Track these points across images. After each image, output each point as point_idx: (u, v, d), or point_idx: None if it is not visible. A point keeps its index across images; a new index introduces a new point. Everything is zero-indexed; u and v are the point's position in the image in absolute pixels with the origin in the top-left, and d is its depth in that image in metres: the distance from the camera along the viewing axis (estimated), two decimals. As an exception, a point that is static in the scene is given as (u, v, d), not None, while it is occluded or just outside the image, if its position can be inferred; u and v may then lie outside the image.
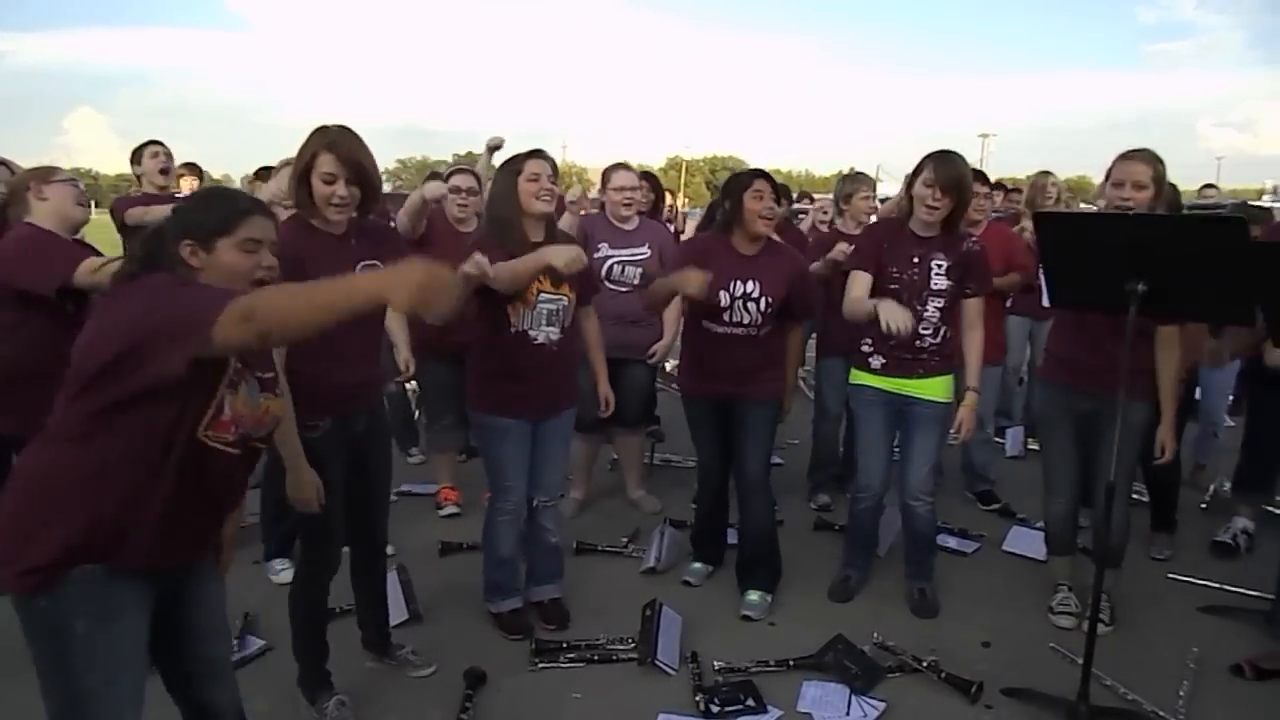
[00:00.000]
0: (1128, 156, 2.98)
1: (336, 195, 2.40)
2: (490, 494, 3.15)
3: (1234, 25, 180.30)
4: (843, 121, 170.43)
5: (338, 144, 2.40)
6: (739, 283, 3.24)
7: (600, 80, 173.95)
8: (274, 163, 5.11)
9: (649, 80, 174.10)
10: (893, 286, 3.20)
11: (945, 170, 3.13)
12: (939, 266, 3.21)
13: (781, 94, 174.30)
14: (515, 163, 2.97)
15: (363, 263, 2.52)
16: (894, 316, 2.94)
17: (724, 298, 3.23)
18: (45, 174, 2.93)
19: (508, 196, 2.93)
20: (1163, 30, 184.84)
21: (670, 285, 3.19)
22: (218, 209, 1.80)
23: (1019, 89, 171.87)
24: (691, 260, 3.24)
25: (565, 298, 3.01)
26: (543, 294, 2.95)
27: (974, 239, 3.35)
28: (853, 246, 3.55)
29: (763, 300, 3.25)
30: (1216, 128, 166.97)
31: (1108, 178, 3.01)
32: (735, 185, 3.31)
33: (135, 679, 1.77)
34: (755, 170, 3.37)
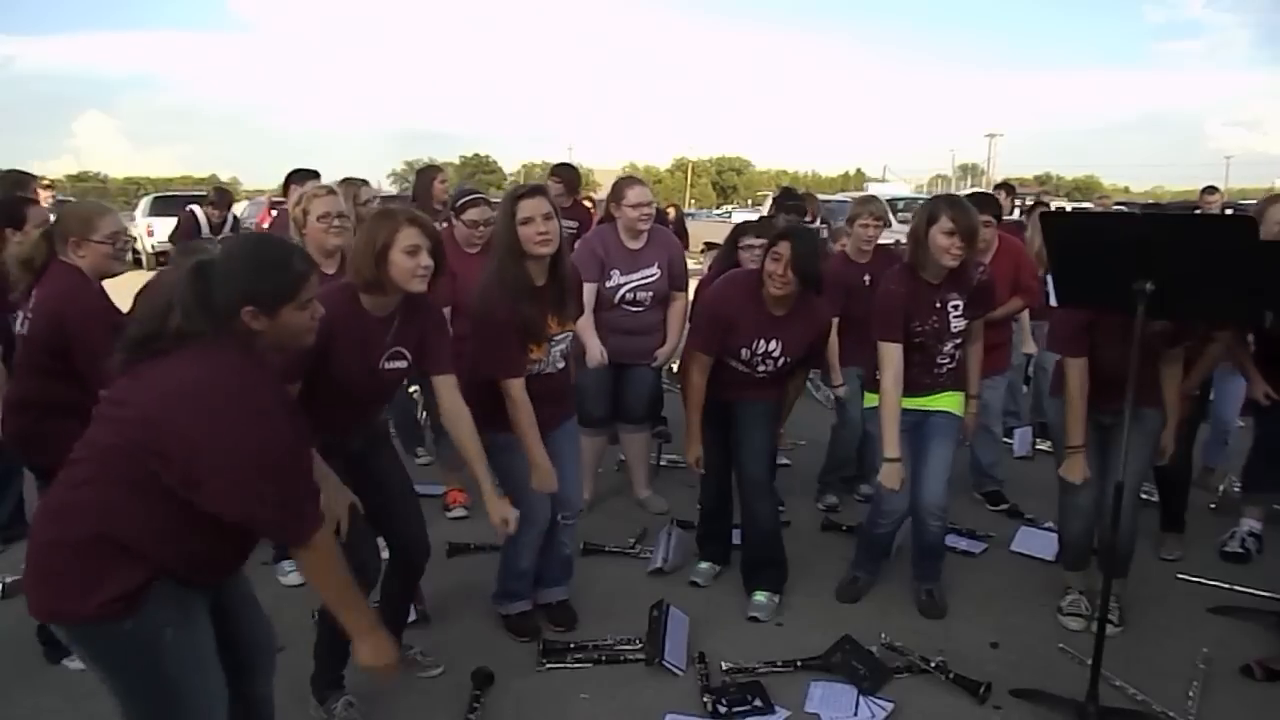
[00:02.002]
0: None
1: (421, 267, 2.43)
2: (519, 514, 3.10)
3: (1242, 24, 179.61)
4: (849, 121, 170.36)
5: (418, 218, 2.48)
6: (762, 341, 3.29)
7: (606, 81, 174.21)
8: (290, 166, 5.15)
9: (655, 81, 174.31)
10: (917, 340, 3.21)
11: (965, 219, 3.07)
12: (955, 309, 3.23)
13: (788, 94, 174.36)
14: (509, 203, 2.88)
15: (389, 352, 2.52)
16: (890, 481, 3.16)
17: (745, 353, 3.30)
18: (88, 229, 2.84)
19: (508, 241, 2.85)
20: (1171, 29, 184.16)
21: (691, 423, 3.37)
22: (279, 276, 1.80)
23: (1026, 88, 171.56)
24: (721, 318, 3.29)
25: (571, 332, 3.08)
26: (554, 336, 2.97)
27: (981, 268, 3.35)
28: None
29: (782, 360, 3.33)
30: (1225, 127, 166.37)
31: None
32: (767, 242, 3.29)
33: (219, 675, 1.84)
34: (787, 231, 3.28)
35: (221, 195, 6.99)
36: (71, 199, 3.66)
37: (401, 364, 2.56)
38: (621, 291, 4.05)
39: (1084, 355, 3.04)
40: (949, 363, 3.29)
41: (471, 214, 3.99)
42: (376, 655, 1.91)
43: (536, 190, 2.94)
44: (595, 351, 3.97)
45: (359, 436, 2.63)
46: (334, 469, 2.49)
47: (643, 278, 4.07)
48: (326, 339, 2.23)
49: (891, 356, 3.16)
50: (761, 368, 3.33)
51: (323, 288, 2.31)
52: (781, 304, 3.26)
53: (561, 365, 3.06)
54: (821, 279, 3.28)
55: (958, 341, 3.28)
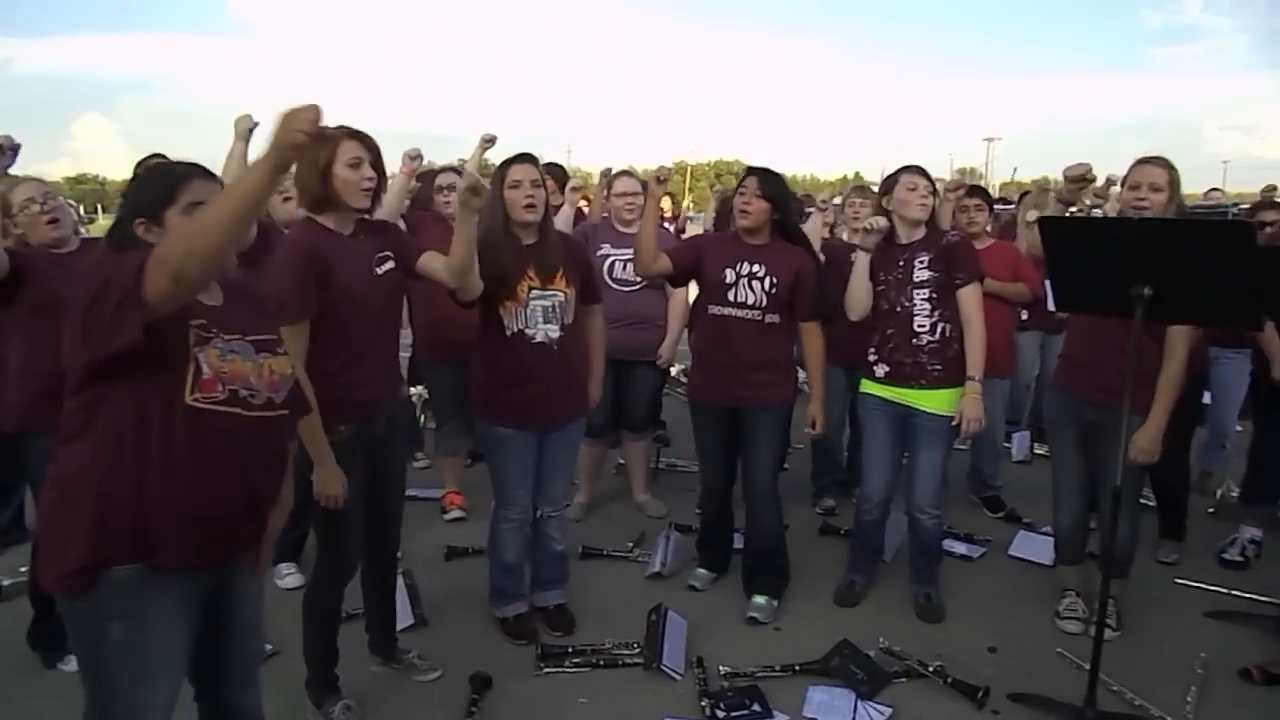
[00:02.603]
0: (1144, 161, 3.01)
1: (365, 178, 2.44)
2: (495, 501, 3.15)
3: (1240, 28, 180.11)
4: (847, 124, 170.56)
5: (356, 132, 2.47)
6: (744, 263, 3.28)
7: (604, 83, 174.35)
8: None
9: (654, 84, 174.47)
10: (880, 288, 3.31)
11: (924, 171, 3.32)
12: (921, 261, 3.27)
13: (786, 97, 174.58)
14: (501, 169, 2.95)
15: (378, 255, 2.55)
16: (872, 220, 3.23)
17: (729, 274, 3.27)
18: (4, 209, 2.82)
19: (495, 204, 2.91)
20: (1168, 34, 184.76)
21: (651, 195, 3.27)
22: (157, 183, 1.82)
23: (1023, 92, 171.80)
24: (694, 245, 3.32)
25: (560, 293, 2.99)
26: (533, 290, 2.94)
27: (954, 232, 3.44)
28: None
29: (767, 280, 3.25)
30: (1223, 131, 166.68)
31: (1123, 184, 3.03)
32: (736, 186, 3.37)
33: (168, 683, 1.78)
34: (749, 168, 3.40)
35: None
36: (71, 202, 3.62)
37: (391, 264, 2.58)
38: (610, 261, 4.03)
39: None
40: (930, 338, 3.24)
41: (441, 179, 4.17)
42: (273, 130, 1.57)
43: (526, 157, 2.97)
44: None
45: (382, 418, 2.62)
46: (357, 462, 2.50)
47: (633, 252, 4.03)
48: (320, 265, 2.35)
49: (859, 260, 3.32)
50: (750, 298, 3.25)
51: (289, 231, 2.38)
52: (757, 235, 3.30)
53: (555, 336, 2.97)
54: (791, 212, 3.39)
55: (926, 296, 3.23)
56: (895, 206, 3.31)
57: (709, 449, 3.50)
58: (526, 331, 2.94)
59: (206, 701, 1.99)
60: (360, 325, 2.48)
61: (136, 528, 1.67)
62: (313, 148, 1.59)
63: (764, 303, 3.25)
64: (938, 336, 3.25)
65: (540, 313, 2.95)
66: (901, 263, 3.28)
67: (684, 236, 6.03)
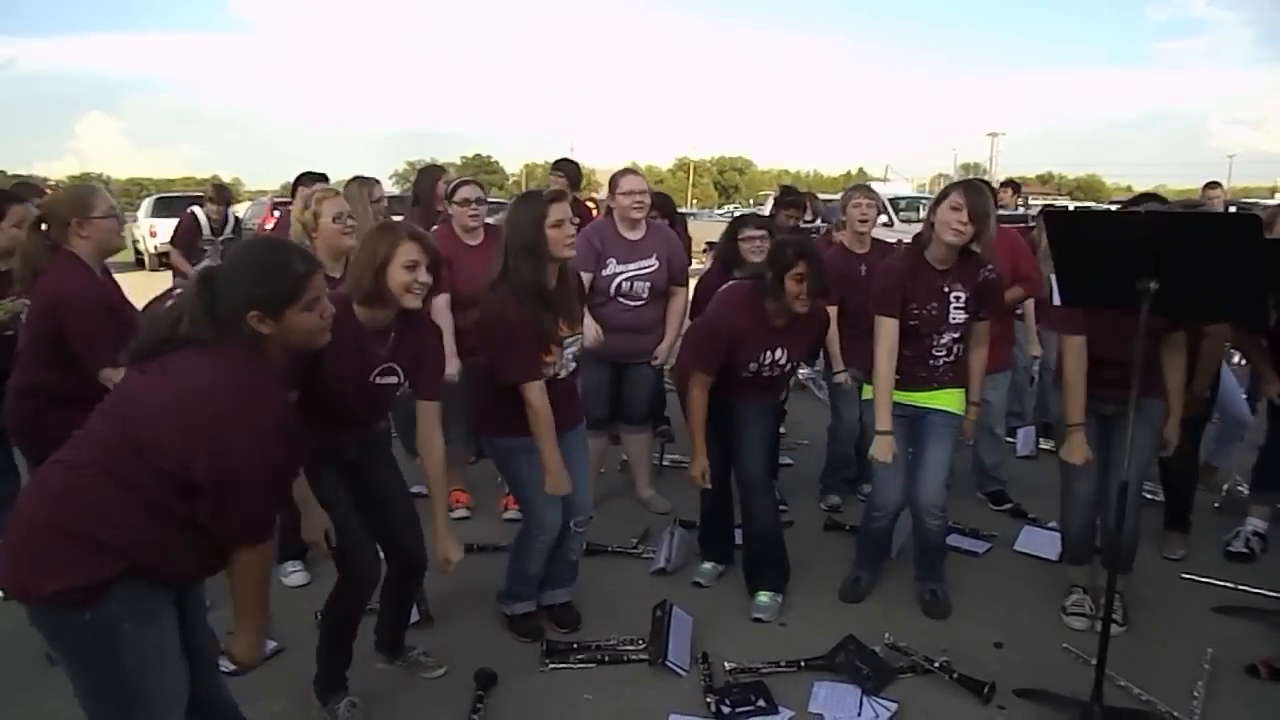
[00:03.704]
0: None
1: (419, 282, 2.45)
2: (527, 520, 3.09)
3: (1245, 22, 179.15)
4: (851, 121, 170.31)
5: (418, 234, 2.51)
6: (769, 353, 3.30)
7: (608, 80, 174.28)
8: (301, 168, 5.13)
9: (657, 80, 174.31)
10: (912, 323, 3.22)
11: (976, 199, 3.10)
12: (958, 300, 3.21)
13: (789, 93, 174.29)
14: (538, 205, 2.86)
15: (381, 367, 2.52)
16: (881, 453, 3.19)
17: (752, 366, 3.31)
18: (85, 208, 2.84)
19: (534, 240, 2.83)
20: (1173, 27, 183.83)
21: (695, 440, 3.32)
22: (280, 280, 1.82)
23: (1028, 87, 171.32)
24: (724, 338, 3.26)
25: (580, 336, 3.07)
26: (566, 340, 2.96)
27: (989, 268, 3.30)
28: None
29: (788, 365, 3.38)
30: (1227, 125, 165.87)
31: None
32: (778, 262, 3.20)
33: (179, 675, 1.81)
34: (801, 249, 3.22)
35: (220, 192, 6.86)
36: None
37: (393, 379, 2.56)
38: (618, 280, 4.02)
39: (1081, 334, 3.05)
40: (945, 356, 3.27)
41: (464, 192, 4.07)
42: (249, 653, 1.95)
43: (563, 195, 3.00)
44: (591, 331, 3.76)
45: (354, 446, 2.64)
46: (329, 478, 2.50)
47: (640, 268, 4.04)
48: (317, 350, 2.27)
49: (886, 330, 3.19)
50: (767, 374, 3.35)
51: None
52: (783, 315, 3.27)
53: (572, 368, 3.05)
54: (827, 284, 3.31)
55: (956, 335, 3.26)
56: (936, 221, 3.17)
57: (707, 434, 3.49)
58: (560, 375, 2.98)
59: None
60: (337, 408, 2.47)
61: (158, 560, 1.73)
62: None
63: (779, 374, 3.41)
64: (953, 358, 3.30)
65: (570, 356, 3.01)
66: (941, 291, 3.20)
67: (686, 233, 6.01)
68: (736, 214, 6.68)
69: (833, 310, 4.11)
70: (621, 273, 4.03)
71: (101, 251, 2.91)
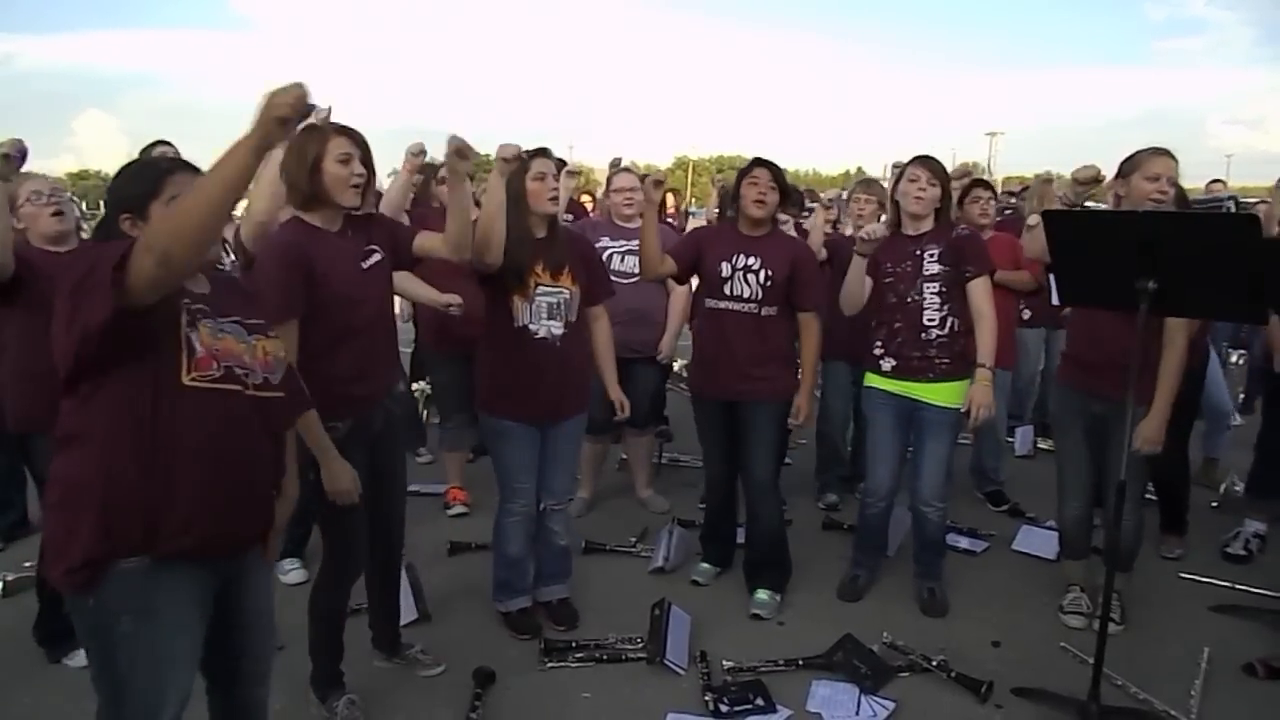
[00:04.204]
0: (1160, 152, 3.00)
1: (355, 174, 2.43)
2: (499, 495, 3.15)
3: (1244, 21, 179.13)
4: (850, 120, 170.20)
5: (344, 128, 2.47)
6: (740, 255, 3.28)
7: (606, 78, 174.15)
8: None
9: (656, 79, 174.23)
10: (887, 280, 3.30)
11: (928, 162, 3.30)
12: (931, 255, 3.26)
13: (789, 92, 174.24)
14: (524, 160, 2.94)
15: (365, 249, 2.54)
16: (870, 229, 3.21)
17: (725, 268, 3.28)
18: (9, 201, 2.75)
19: (517, 192, 2.92)
20: (1172, 27, 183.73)
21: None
22: (140, 177, 1.82)
23: (1026, 86, 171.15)
24: (694, 240, 3.33)
25: (566, 290, 3.02)
26: (540, 286, 2.96)
27: (964, 227, 3.43)
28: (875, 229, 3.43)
29: (763, 273, 3.26)
30: (1226, 125, 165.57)
31: (1129, 171, 3.00)
32: (739, 174, 3.37)
33: (181, 677, 1.78)
34: (755, 159, 3.38)
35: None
36: (74, 198, 3.61)
37: (378, 257, 2.57)
38: (609, 253, 4.02)
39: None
40: (939, 333, 3.24)
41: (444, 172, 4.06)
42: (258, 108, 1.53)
43: (546, 151, 3.03)
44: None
45: (379, 414, 2.62)
46: (356, 460, 2.48)
47: (632, 245, 3.96)
48: (307, 264, 2.35)
49: (855, 263, 3.27)
50: (746, 290, 3.27)
51: (275, 231, 2.42)
52: (756, 226, 3.30)
53: (558, 333, 2.99)
54: (791, 204, 3.48)
55: (936, 290, 3.23)
56: (899, 197, 3.32)
57: (710, 441, 3.51)
58: (530, 327, 2.96)
59: (218, 696, 1.99)
60: (351, 321, 2.47)
61: (142, 520, 1.66)
62: (296, 128, 1.59)
63: (759, 295, 3.27)
64: (946, 330, 3.25)
65: (545, 309, 2.97)
66: (910, 256, 3.27)
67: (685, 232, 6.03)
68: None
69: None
70: (612, 247, 4.05)
71: (44, 237, 2.87)
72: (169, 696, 1.75)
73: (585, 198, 7.13)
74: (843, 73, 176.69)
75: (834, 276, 3.84)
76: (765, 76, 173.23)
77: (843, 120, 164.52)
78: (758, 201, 3.25)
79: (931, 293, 3.24)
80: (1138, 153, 3.02)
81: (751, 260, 3.26)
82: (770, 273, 3.26)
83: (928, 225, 3.29)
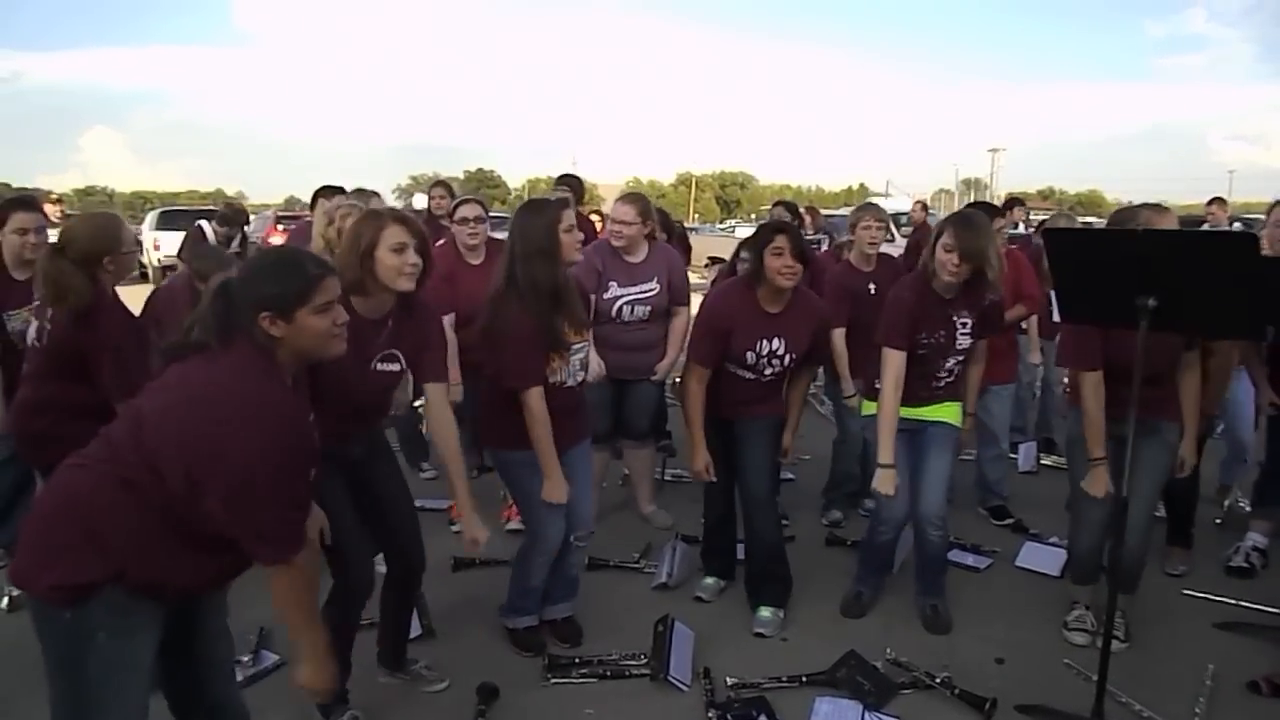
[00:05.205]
0: None
1: (409, 264, 2.44)
2: (530, 533, 3.10)
3: (1245, 38, 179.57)
4: (852, 136, 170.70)
5: (403, 216, 2.51)
6: (765, 341, 3.29)
7: (609, 94, 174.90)
8: (304, 181, 5.13)
9: (658, 95, 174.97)
10: (921, 352, 3.25)
11: (966, 239, 3.10)
12: (964, 326, 3.27)
13: (791, 108, 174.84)
14: (551, 210, 2.94)
15: (381, 354, 2.53)
16: (884, 486, 3.20)
17: (750, 356, 3.29)
18: (116, 243, 2.81)
19: (550, 245, 2.87)
20: (1173, 43, 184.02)
21: (694, 433, 3.33)
22: (291, 280, 1.82)
23: (1029, 103, 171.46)
24: (718, 329, 3.28)
25: (586, 343, 3.08)
26: (574, 345, 2.98)
27: (994, 296, 3.34)
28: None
29: (787, 357, 3.33)
30: (1228, 141, 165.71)
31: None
32: (757, 240, 3.28)
33: (142, 693, 1.81)
34: (777, 225, 3.34)
35: (235, 214, 6.55)
36: (78, 214, 3.65)
37: (394, 366, 2.56)
38: (619, 304, 4.05)
39: (1097, 369, 3.04)
40: (947, 377, 3.33)
41: (464, 210, 4.16)
42: (320, 679, 1.96)
43: (568, 202, 3.07)
44: (595, 365, 3.81)
45: (359, 444, 2.64)
46: (330, 478, 2.48)
47: (641, 291, 4.07)
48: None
49: (894, 362, 3.20)
50: (769, 370, 3.32)
51: None
52: (777, 300, 3.28)
53: (581, 378, 3.05)
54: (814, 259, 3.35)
55: (960, 359, 3.31)
56: (935, 266, 3.19)
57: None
58: (566, 384, 2.98)
59: (197, 708, 2.02)
60: (340, 405, 2.43)
61: (158, 574, 1.75)
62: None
63: (779, 370, 3.36)
64: (954, 378, 3.34)
65: (578, 364, 3.02)
66: (945, 323, 3.24)
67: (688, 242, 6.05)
68: (737, 229, 6.71)
69: (841, 332, 4.15)
70: (623, 296, 4.05)
71: (120, 281, 2.90)
72: (134, 712, 1.80)
73: (595, 216, 7.15)
74: (845, 88, 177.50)
75: (880, 299, 3.79)
76: (768, 92, 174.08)
77: (845, 136, 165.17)
78: (783, 274, 3.19)
79: (956, 362, 3.31)
80: None
81: (776, 344, 3.29)
82: (794, 355, 3.34)
83: (959, 287, 3.22)
